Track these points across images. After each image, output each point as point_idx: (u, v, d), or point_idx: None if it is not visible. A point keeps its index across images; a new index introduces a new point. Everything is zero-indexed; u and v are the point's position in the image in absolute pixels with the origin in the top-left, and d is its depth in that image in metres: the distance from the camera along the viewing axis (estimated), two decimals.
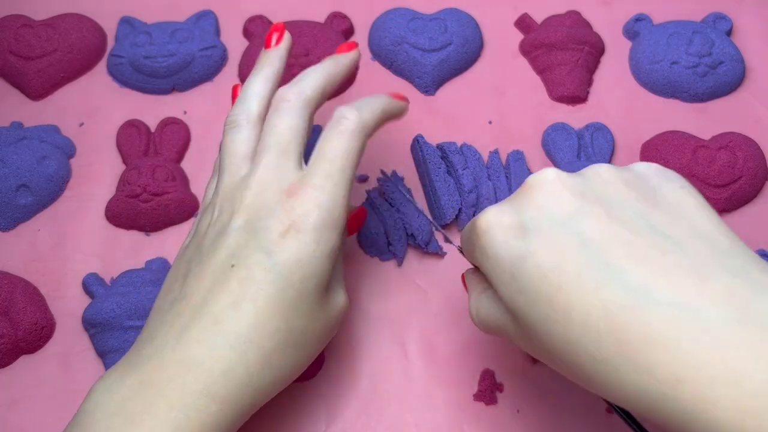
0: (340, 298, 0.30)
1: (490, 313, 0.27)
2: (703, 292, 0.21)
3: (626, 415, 0.27)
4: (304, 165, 0.30)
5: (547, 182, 0.25)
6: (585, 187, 0.25)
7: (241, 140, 0.31)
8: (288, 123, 0.30)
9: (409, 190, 0.39)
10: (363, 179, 0.40)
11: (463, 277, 0.31)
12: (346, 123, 0.30)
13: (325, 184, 0.29)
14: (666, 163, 0.39)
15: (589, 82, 0.43)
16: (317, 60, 0.42)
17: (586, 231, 0.23)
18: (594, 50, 0.43)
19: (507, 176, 0.39)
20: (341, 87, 0.43)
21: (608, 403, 0.28)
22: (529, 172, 0.39)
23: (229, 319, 0.27)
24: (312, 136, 0.36)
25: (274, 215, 0.28)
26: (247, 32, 0.45)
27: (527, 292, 0.23)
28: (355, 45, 0.34)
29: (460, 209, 0.37)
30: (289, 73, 0.42)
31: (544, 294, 0.23)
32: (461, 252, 0.30)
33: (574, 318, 0.22)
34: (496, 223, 0.25)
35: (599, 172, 0.25)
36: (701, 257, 0.22)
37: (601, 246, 0.23)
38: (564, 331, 0.22)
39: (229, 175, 0.31)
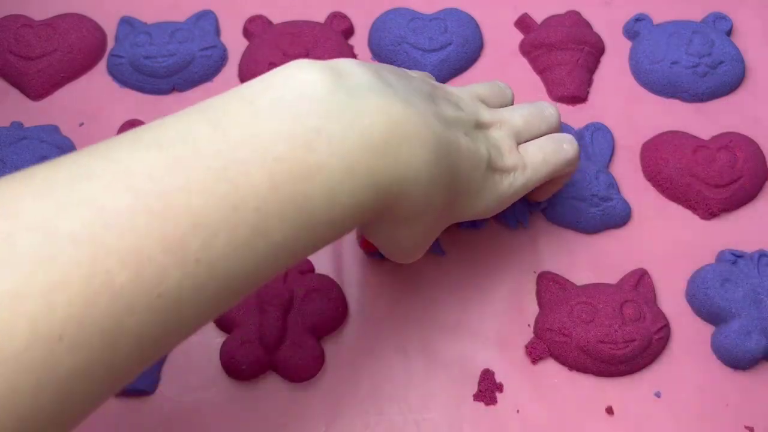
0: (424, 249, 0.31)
1: None
2: None
3: None
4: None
5: None
6: None
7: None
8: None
9: None
10: None
11: None
12: (571, 150, 0.33)
13: (536, 164, 0.32)
14: (666, 163, 0.39)
15: (589, 82, 0.43)
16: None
17: None
18: (594, 50, 0.43)
19: None
20: None
21: None
22: None
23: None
24: None
25: (502, 146, 0.31)
26: (247, 32, 0.45)
27: None
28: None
29: None
30: None
31: None
32: None
33: None
34: None
35: None
36: None
37: None
38: None
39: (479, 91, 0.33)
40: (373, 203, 0.25)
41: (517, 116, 0.32)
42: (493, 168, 0.30)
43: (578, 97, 0.42)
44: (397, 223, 0.28)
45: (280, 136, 0.22)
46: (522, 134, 0.32)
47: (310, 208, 0.23)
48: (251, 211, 0.21)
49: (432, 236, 0.31)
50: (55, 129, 0.41)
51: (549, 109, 0.34)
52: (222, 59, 0.44)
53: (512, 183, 0.31)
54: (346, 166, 0.23)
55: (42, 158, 0.39)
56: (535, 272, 0.37)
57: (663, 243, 0.38)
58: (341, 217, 0.24)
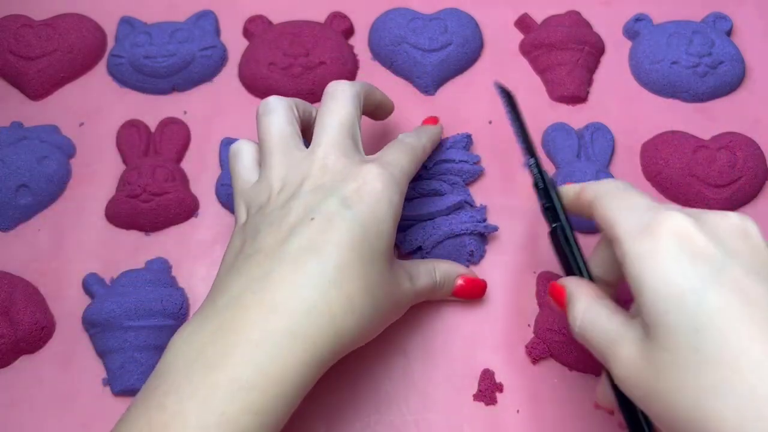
0: (405, 282, 0.31)
1: (602, 325, 0.26)
2: None
3: None
4: (360, 148, 0.32)
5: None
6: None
7: (281, 122, 0.32)
8: (345, 107, 0.32)
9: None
10: None
11: (553, 285, 0.29)
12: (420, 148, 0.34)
13: (392, 158, 0.32)
14: (666, 163, 0.39)
15: (589, 82, 0.43)
16: (317, 60, 0.42)
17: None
18: (594, 50, 0.43)
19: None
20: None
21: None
22: None
23: (311, 262, 0.27)
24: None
25: (346, 178, 0.30)
26: (247, 32, 0.45)
27: (697, 331, 0.22)
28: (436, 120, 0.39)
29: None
30: (288, 73, 0.42)
31: (715, 343, 0.22)
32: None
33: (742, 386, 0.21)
34: (687, 237, 0.24)
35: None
36: None
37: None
38: (716, 390, 0.21)
39: (283, 153, 0.31)
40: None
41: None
42: (353, 196, 0.29)
43: (578, 97, 0.42)
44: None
45: None
46: (352, 129, 0.32)
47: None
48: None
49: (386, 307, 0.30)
50: (55, 129, 0.41)
51: (338, 82, 0.33)
52: (222, 59, 0.44)
53: (387, 176, 0.30)
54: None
55: (42, 158, 0.39)
56: (535, 272, 0.37)
57: None
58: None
